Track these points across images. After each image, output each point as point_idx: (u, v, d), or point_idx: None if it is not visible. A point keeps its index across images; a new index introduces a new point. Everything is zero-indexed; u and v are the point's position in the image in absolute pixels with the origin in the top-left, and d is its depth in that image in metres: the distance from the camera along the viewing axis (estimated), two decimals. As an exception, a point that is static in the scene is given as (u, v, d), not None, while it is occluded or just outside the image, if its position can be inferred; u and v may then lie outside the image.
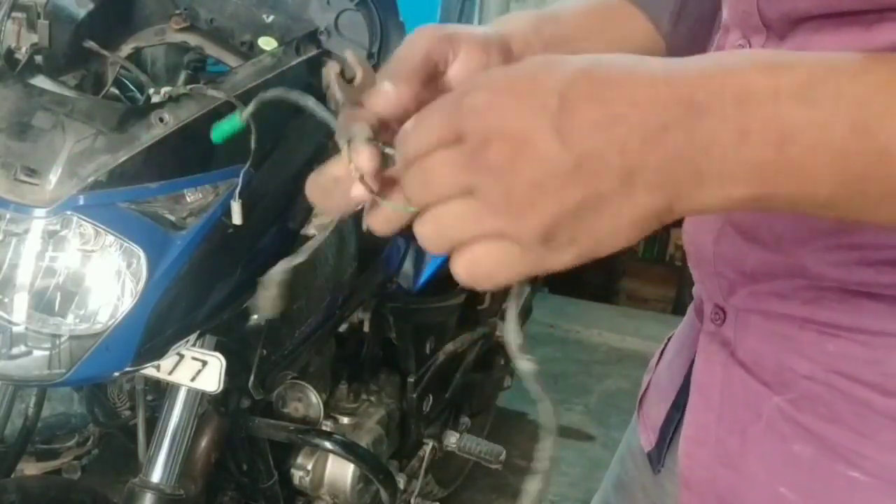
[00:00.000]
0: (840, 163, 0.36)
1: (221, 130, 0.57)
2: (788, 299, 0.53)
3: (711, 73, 0.37)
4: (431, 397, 1.83)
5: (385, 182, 0.43)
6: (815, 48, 0.48)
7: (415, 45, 0.48)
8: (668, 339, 0.74)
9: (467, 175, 0.38)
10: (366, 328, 1.63)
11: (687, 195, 0.37)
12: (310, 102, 0.51)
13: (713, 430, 0.59)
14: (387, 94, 0.45)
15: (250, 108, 0.54)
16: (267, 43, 1.16)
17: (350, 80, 0.47)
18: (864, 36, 0.45)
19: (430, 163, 0.39)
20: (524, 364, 0.45)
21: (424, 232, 0.40)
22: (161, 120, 0.95)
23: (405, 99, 0.44)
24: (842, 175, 0.36)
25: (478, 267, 0.40)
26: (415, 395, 1.74)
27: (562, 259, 0.39)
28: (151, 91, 1.08)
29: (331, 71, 0.46)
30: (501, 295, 2.20)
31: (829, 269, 0.50)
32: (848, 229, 0.49)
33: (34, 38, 1.06)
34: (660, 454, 0.69)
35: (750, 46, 0.54)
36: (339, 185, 0.44)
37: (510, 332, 0.45)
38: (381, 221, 0.44)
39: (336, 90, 0.46)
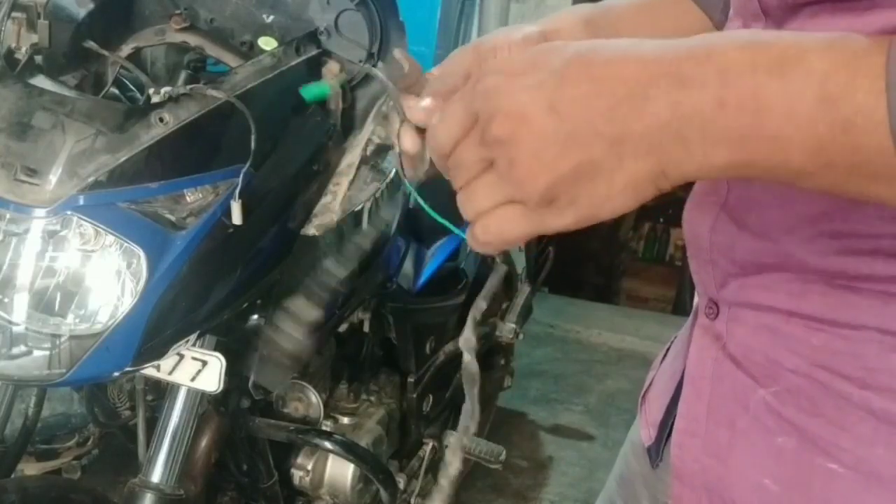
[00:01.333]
0: (809, 131, 0.39)
1: (310, 91, 0.71)
2: (775, 292, 0.54)
3: (696, 50, 0.41)
4: (431, 397, 1.83)
5: None
6: None
7: (455, 63, 0.57)
8: (675, 338, 0.75)
9: (482, 150, 0.44)
10: (366, 328, 1.62)
11: (675, 161, 0.41)
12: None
13: (703, 422, 0.60)
14: (427, 109, 0.53)
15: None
16: (267, 43, 1.16)
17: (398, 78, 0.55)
18: (857, 22, 0.46)
19: (459, 151, 0.45)
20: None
21: (462, 207, 0.47)
22: (161, 120, 0.95)
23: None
24: (811, 143, 0.39)
25: (488, 229, 0.46)
26: (415, 395, 1.74)
27: (563, 220, 0.44)
28: (151, 91, 1.08)
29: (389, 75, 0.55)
30: (501, 295, 2.20)
31: (812, 257, 0.51)
32: (830, 216, 0.50)
33: (34, 38, 1.06)
34: (658, 448, 0.70)
35: None
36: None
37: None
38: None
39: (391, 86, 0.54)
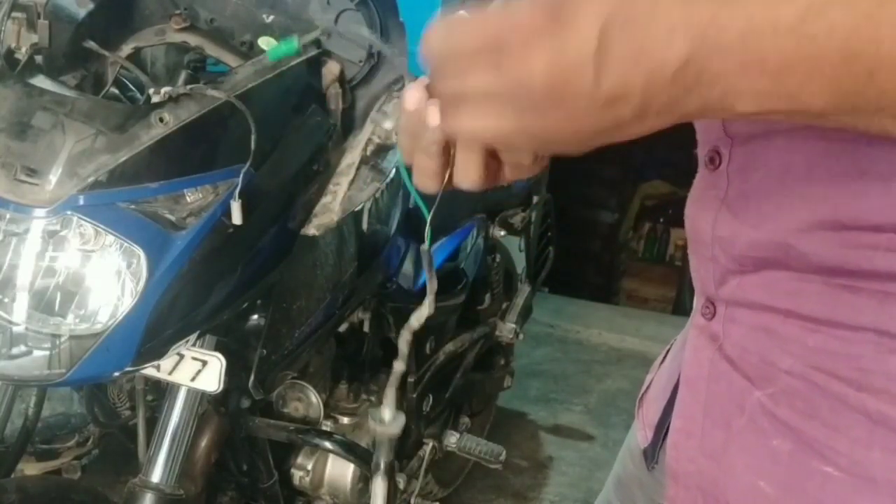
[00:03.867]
0: (833, 85, 0.39)
1: (278, 51, 0.66)
2: (773, 291, 0.54)
3: (719, 11, 0.39)
4: (431, 397, 1.82)
5: None
6: None
7: None
8: (674, 341, 0.75)
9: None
10: (366, 328, 1.62)
11: (698, 113, 0.41)
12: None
13: (699, 423, 0.60)
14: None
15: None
16: (267, 43, 1.16)
17: None
18: None
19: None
20: None
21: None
22: (161, 120, 0.95)
23: None
24: (835, 94, 0.39)
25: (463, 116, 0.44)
26: (415, 395, 1.74)
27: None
28: (151, 91, 1.08)
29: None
30: (501, 295, 2.20)
31: (812, 249, 0.51)
32: (834, 204, 0.49)
33: (34, 38, 1.06)
34: (654, 450, 0.70)
35: None
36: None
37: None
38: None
39: None
